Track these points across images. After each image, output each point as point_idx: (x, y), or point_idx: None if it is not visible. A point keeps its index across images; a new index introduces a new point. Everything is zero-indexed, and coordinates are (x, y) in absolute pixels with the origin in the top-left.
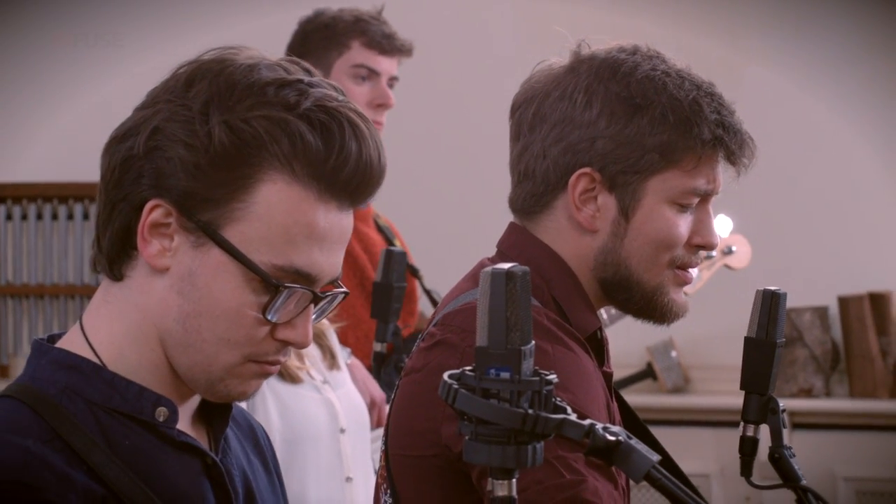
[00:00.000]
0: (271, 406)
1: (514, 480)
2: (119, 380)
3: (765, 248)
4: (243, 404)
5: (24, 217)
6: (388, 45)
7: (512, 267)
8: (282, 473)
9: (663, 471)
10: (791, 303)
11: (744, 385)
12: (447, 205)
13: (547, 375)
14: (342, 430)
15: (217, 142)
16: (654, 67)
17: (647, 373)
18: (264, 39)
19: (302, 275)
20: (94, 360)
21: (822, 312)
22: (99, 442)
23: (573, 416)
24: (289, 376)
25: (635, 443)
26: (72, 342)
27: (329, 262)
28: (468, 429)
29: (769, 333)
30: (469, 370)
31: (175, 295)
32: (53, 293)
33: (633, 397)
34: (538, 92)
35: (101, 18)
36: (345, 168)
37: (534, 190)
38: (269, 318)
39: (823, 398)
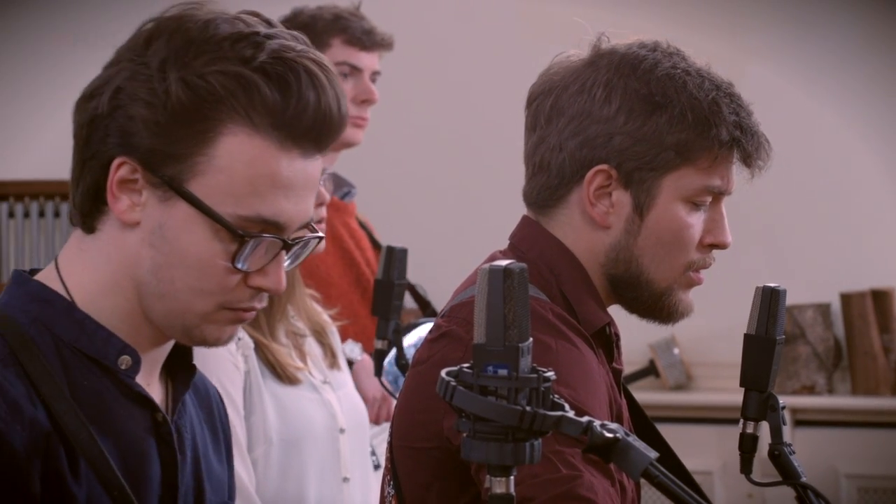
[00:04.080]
0: (269, 407)
1: (511, 477)
2: (89, 322)
3: (767, 244)
4: (217, 381)
5: (27, 215)
6: (369, 40)
7: (509, 264)
8: (240, 455)
9: (661, 468)
10: (793, 300)
11: (743, 382)
12: (454, 199)
13: (545, 372)
14: (341, 431)
15: (174, 99)
16: (674, 65)
17: (650, 370)
18: None
19: (270, 223)
20: (68, 298)
21: (824, 309)
22: (57, 376)
23: (571, 413)
24: (287, 377)
25: (633, 440)
26: (48, 279)
27: (297, 209)
28: (466, 426)
29: (769, 330)
30: (467, 367)
31: (147, 248)
32: None
33: (635, 394)
34: (556, 84)
35: (101, 18)
36: (304, 116)
37: (548, 183)
38: (238, 266)
39: (826, 395)
